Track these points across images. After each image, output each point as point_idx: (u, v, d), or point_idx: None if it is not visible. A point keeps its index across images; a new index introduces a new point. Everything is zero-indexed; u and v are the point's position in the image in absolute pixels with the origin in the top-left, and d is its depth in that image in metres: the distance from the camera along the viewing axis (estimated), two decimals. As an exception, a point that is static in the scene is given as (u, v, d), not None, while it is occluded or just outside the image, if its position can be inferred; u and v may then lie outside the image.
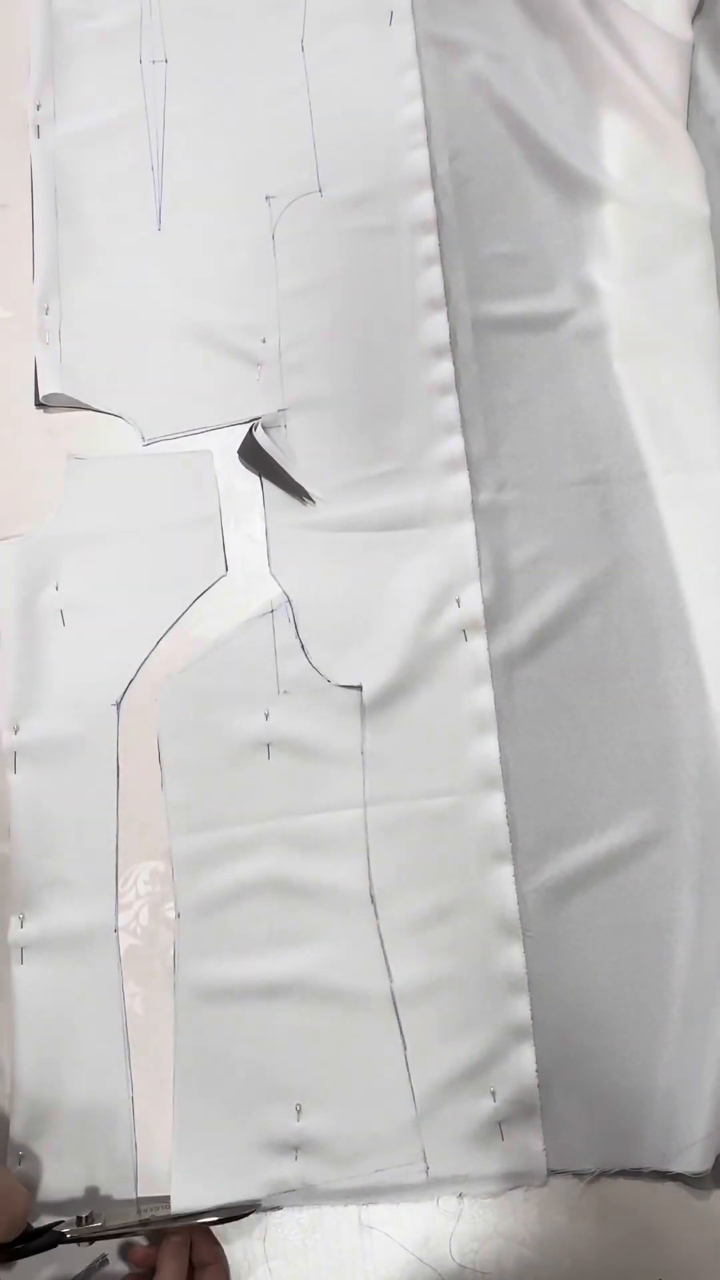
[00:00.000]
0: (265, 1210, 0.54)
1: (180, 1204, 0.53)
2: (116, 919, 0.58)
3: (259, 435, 0.64)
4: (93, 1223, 0.51)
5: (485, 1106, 0.55)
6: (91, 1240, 0.51)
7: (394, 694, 0.61)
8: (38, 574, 0.63)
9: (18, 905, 0.58)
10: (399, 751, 0.60)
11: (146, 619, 0.63)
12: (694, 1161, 0.53)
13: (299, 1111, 0.55)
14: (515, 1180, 0.54)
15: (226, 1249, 0.53)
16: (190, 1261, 0.51)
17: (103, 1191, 0.54)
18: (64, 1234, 0.51)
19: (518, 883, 0.58)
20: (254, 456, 0.65)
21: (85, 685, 0.61)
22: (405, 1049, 0.56)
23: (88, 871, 0.58)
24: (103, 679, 0.61)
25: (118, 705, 0.61)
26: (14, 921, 0.58)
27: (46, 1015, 0.56)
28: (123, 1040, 0.56)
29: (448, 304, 0.68)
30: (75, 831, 0.59)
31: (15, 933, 0.57)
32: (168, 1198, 0.53)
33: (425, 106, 0.72)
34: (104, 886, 0.58)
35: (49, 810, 0.59)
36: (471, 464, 0.65)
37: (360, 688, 0.61)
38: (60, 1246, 0.51)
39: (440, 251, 0.69)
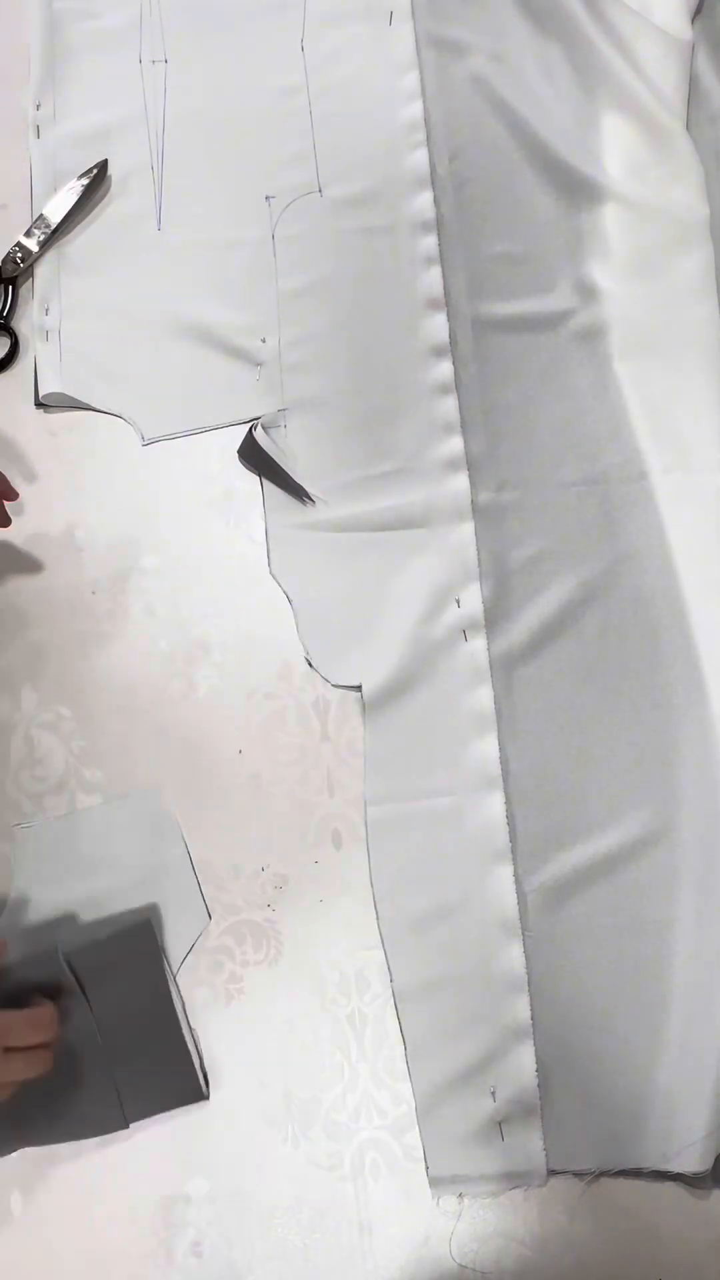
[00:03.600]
0: None
1: None
2: None
3: (259, 435, 0.64)
4: None
5: (485, 1106, 0.55)
6: None
7: (394, 694, 0.61)
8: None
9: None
10: (399, 751, 0.60)
11: None
12: (694, 1161, 0.53)
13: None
14: (515, 1180, 0.54)
15: (227, 1251, 0.54)
16: None
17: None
18: None
19: (518, 883, 0.58)
20: (254, 456, 0.65)
21: None
22: (405, 1049, 0.56)
23: None
24: None
25: None
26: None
27: None
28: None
29: (448, 304, 0.68)
30: None
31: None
32: None
33: (425, 106, 0.71)
34: None
35: None
36: (471, 464, 0.65)
37: (360, 688, 0.61)
38: None
39: (440, 251, 0.68)
